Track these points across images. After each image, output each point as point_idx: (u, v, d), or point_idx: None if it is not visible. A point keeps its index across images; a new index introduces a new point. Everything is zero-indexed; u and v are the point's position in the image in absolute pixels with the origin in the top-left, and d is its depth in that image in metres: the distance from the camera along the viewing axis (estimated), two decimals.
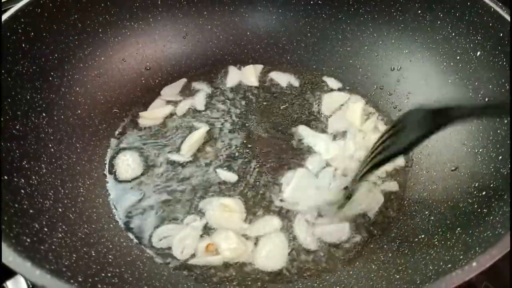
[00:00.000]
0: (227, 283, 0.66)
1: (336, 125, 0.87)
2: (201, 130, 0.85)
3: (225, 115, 0.89)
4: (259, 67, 0.98)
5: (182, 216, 0.73)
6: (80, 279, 0.55)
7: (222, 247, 0.69)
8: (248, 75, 0.96)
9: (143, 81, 0.93)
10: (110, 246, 0.67)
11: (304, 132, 0.86)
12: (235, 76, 0.96)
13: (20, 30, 0.73)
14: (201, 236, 0.71)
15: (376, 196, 0.76)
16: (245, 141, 0.84)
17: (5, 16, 0.71)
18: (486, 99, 0.73)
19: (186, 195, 0.76)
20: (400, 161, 0.80)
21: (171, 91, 0.93)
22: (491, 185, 0.65)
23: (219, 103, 0.91)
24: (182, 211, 0.74)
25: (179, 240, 0.70)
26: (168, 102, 0.91)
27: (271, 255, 0.69)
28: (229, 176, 0.79)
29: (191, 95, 0.93)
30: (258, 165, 0.80)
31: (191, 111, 0.90)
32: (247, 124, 0.87)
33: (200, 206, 0.74)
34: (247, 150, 0.83)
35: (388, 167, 0.80)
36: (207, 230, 0.72)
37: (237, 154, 0.82)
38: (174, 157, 0.81)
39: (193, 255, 0.69)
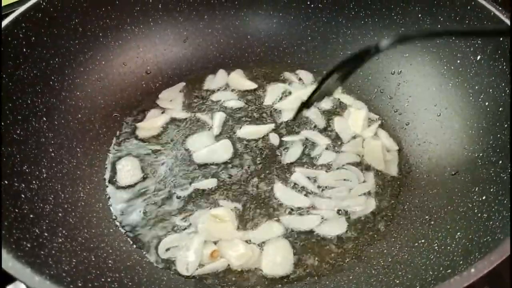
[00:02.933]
0: (227, 287, 0.66)
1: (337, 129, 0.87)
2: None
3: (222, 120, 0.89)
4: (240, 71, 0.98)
5: (184, 223, 0.73)
6: (79, 284, 0.55)
7: (229, 254, 0.69)
8: (238, 80, 0.96)
9: (144, 85, 0.93)
10: (110, 251, 0.67)
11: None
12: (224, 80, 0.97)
13: (21, 35, 0.73)
14: (205, 242, 0.71)
15: (368, 201, 0.76)
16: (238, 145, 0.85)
17: (6, 21, 0.71)
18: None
19: (188, 202, 0.76)
20: (393, 170, 0.80)
21: (169, 95, 0.93)
22: (492, 190, 0.65)
23: (216, 107, 0.91)
24: (184, 218, 0.74)
25: (182, 257, 0.69)
26: (165, 109, 0.91)
27: (277, 261, 0.69)
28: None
29: (189, 99, 0.93)
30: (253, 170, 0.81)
31: (188, 115, 0.90)
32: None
33: (191, 220, 0.73)
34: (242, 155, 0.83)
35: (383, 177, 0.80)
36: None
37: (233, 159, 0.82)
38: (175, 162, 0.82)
39: (197, 268, 0.68)
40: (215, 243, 0.71)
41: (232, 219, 0.73)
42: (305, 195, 0.77)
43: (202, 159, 0.82)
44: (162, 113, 0.90)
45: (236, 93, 0.94)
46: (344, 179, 0.79)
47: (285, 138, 0.85)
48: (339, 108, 0.91)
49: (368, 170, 0.80)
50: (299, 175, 0.79)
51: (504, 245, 0.50)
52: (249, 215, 0.74)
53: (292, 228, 0.72)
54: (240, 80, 0.96)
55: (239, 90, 0.95)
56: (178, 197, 0.76)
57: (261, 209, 0.75)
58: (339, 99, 0.92)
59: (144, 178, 0.79)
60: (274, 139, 0.85)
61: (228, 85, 0.95)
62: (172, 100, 0.92)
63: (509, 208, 0.58)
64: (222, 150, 0.83)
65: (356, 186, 0.78)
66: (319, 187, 0.78)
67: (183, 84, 0.95)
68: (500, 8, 0.71)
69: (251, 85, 0.95)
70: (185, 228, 0.72)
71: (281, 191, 0.77)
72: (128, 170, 0.79)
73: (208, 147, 0.83)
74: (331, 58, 0.97)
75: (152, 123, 0.88)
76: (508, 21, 0.70)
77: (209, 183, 0.78)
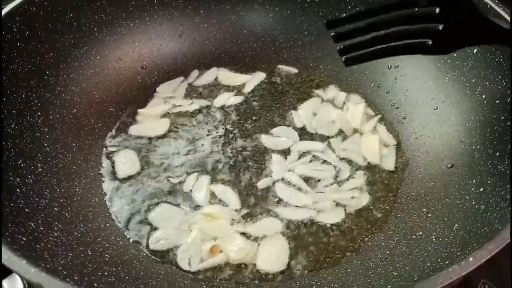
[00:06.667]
0: (224, 281, 0.66)
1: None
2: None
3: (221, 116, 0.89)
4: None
5: (180, 217, 0.73)
6: (76, 278, 0.55)
7: (228, 248, 0.69)
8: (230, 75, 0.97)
9: (139, 80, 0.93)
10: (107, 245, 0.67)
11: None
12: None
13: (15, 29, 0.73)
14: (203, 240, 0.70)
15: (361, 195, 0.76)
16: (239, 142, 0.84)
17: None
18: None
19: (185, 195, 0.76)
20: (390, 165, 0.80)
21: (168, 88, 0.93)
22: (489, 182, 0.65)
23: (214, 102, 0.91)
24: (181, 212, 0.73)
25: (183, 252, 0.68)
26: (166, 100, 0.91)
27: (273, 257, 0.69)
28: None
29: (188, 93, 0.93)
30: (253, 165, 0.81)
31: (188, 109, 0.89)
32: (241, 123, 0.87)
33: (186, 218, 0.73)
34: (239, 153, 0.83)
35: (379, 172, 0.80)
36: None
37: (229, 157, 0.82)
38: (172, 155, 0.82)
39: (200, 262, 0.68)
40: (214, 238, 0.70)
41: (224, 216, 0.73)
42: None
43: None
44: (164, 102, 0.90)
45: (232, 89, 0.94)
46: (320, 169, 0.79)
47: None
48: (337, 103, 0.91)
49: (359, 169, 0.80)
50: (290, 174, 0.79)
51: (502, 234, 0.50)
52: (247, 209, 0.74)
53: (289, 218, 0.72)
54: (232, 75, 0.96)
55: (233, 85, 0.95)
56: (175, 190, 0.76)
57: (258, 204, 0.75)
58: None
59: (140, 171, 0.79)
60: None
61: (221, 83, 0.95)
62: (174, 92, 0.93)
63: (507, 199, 0.58)
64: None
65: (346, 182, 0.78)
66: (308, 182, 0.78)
67: (181, 78, 0.95)
68: (497, 1, 0.71)
69: (245, 78, 0.95)
70: (180, 224, 0.72)
71: (283, 190, 0.77)
72: (124, 164, 0.79)
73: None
74: (328, 53, 0.96)
75: (153, 110, 0.88)
76: (507, 16, 0.69)
77: (205, 179, 0.78)
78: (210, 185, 0.76)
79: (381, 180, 0.78)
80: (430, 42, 0.60)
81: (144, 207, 0.74)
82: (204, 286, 0.65)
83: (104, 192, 0.76)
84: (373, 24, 0.61)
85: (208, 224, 0.71)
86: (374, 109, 0.89)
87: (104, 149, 0.82)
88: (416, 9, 0.58)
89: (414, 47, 0.61)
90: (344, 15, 0.61)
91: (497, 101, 0.70)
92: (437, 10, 0.57)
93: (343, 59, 0.66)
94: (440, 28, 0.58)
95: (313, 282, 0.65)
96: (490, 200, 0.61)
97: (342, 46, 0.65)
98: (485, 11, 0.58)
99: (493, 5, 0.70)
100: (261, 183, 0.77)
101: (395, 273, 0.61)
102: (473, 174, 0.68)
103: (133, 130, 0.85)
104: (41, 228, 0.61)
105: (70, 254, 0.60)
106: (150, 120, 0.87)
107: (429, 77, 0.84)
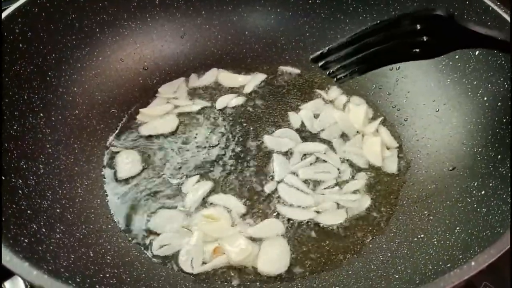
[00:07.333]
0: (226, 283, 0.66)
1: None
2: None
3: (221, 116, 0.89)
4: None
5: (180, 220, 0.73)
6: (78, 280, 0.55)
7: (229, 250, 0.68)
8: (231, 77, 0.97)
9: (141, 81, 0.93)
10: (108, 247, 0.67)
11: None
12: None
13: (17, 30, 0.73)
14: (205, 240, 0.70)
15: (362, 198, 0.76)
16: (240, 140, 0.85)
17: (2, 16, 0.70)
18: None
19: (184, 197, 0.76)
20: (392, 168, 0.80)
21: (169, 89, 0.93)
22: (490, 185, 0.64)
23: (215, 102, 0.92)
24: (180, 215, 0.73)
25: (185, 254, 0.68)
26: (168, 101, 0.91)
27: (274, 259, 0.69)
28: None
29: (190, 94, 0.93)
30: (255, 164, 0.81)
31: (189, 110, 0.90)
32: (243, 124, 0.88)
33: (187, 220, 0.73)
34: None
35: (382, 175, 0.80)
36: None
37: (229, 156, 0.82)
38: (173, 157, 0.82)
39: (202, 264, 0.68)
40: (216, 240, 0.70)
41: (225, 217, 0.73)
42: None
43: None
44: (166, 103, 0.91)
45: (234, 91, 0.94)
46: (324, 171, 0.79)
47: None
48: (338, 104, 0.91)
49: (360, 170, 0.80)
50: (292, 175, 0.79)
51: (504, 238, 0.50)
52: (249, 212, 0.74)
53: (290, 219, 0.72)
54: (232, 76, 0.96)
55: (234, 86, 0.95)
56: (175, 192, 0.76)
57: (260, 205, 0.75)
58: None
59: (141, 172, 0.79)
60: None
61: (222, 84, 0.95)
62: (176, 92, 0.93)
63: (508, 202, 0.58)
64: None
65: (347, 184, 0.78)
66: (308, 184, 0.78)
67: (183, 79, 0.95)
68: (499, 3, 0.71)
69: (245, 79, 0.95)
70: (182, 226, 0.72)
71: (284, 191, 0.77)
72: (125, 165, 0.79)
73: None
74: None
75: (155, 110, 0.89)
76: (507, 17, 0.69)
77: (205, 184, 0.77)
78: (212, 196, 0.76)
79: (383, 182, 0.78)
80: (417, 51, 0.60)
81: (145, 209, 0.74)
82: None
83: (106, 194, 0.76)
84: (358, 49, 0.63)
85: (209, 226, 0.71)
86: (376, 111, 0.89)
87: (106, 150, 0.82)
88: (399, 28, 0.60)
89: (403, 55, 0.62)
90: (327, 48, 0.65)
91: (498, 103, 0.70)
92: (418, 26, 0.58)
93: (334, 79, 0.67)
94: (425, 39, 0.59)
95: (315, 285, 0.65)
96: (492, 203, 0.61)
97: (331, 71, 0.67)
98: (466, 20, 0.59)
99: (494, 7, 0.71)
100: (267, 187, 0.77)
101: (397, 276, 0.61)
102: (475, 176, 0.68)
103: (136, 130, 0.86)
104: (43, 230, 0.61)
105: (72, 256, 0.60)
106: (153, 120, 0.87)
107: (431, 79, 0.84)
